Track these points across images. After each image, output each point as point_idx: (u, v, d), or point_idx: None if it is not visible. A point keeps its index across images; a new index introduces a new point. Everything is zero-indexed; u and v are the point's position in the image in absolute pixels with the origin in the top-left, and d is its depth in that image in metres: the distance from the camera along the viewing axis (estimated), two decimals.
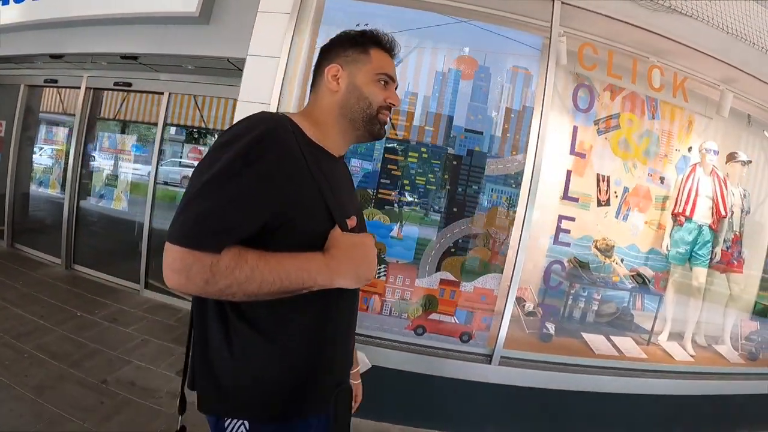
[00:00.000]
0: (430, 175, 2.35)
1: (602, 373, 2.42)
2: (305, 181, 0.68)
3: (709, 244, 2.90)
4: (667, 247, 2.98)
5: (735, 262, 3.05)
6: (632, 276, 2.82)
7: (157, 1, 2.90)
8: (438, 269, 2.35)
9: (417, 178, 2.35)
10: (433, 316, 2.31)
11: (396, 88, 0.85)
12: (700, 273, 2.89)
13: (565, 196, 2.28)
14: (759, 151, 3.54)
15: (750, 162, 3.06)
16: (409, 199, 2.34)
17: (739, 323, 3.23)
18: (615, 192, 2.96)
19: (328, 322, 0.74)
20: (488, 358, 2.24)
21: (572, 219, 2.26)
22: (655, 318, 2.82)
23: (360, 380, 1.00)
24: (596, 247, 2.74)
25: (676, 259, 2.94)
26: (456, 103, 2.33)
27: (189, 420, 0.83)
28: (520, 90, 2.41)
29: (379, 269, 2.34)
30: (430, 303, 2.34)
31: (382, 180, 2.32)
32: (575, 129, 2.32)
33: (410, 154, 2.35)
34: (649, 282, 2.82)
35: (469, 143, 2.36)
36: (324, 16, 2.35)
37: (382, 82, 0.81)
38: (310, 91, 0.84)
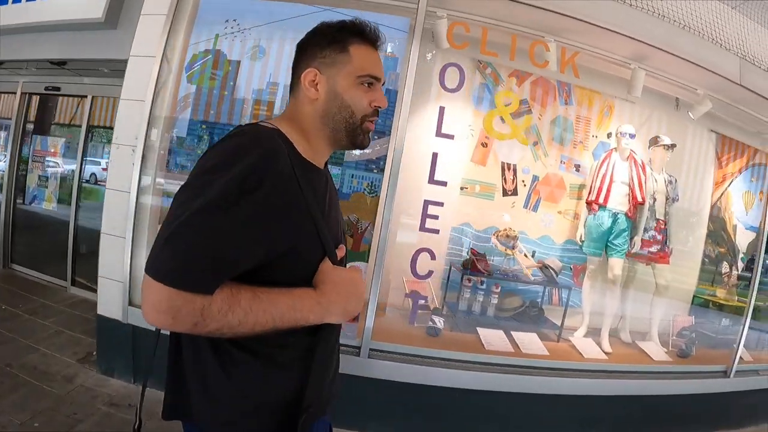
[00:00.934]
0: None
1: (490, 370, 2.23)
2: (300, 209, 0.63)
3: (626, 233, 2.66)
4: (580, 237, 2.75)
5: (660, 253, 2.78)
6: (540, 268, 2.61)
7: (70, 9, 2.96)
8: None
9: None
10: None
11: (383, 84, 0.75)
12: (616, 264, 2.65)
13: (431, 180, 2.13)
14: (692, 137, 3.26)
15: (674, 146, 2.80)
16: None
17: (671, 318, 2.94)
18: (523, 181, 2.77)
19: (321, 340, 0.70)
20: (357, 350, 2.10)
21: (440, 204, 2.10)
22: (564, 313, 2.60)
23: None
24: (497, 238, 2.56)
25: (591, 249, 2.71)
26: None
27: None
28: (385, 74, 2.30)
29: None
30: None
31: None
32: (442, 110, 2.17)
33: None
34: (557, 274, 2.60)
35: None
36: (198, 17, 2.36)
37: (366, 84, 0.71)
38: (290, 93, 0.75)
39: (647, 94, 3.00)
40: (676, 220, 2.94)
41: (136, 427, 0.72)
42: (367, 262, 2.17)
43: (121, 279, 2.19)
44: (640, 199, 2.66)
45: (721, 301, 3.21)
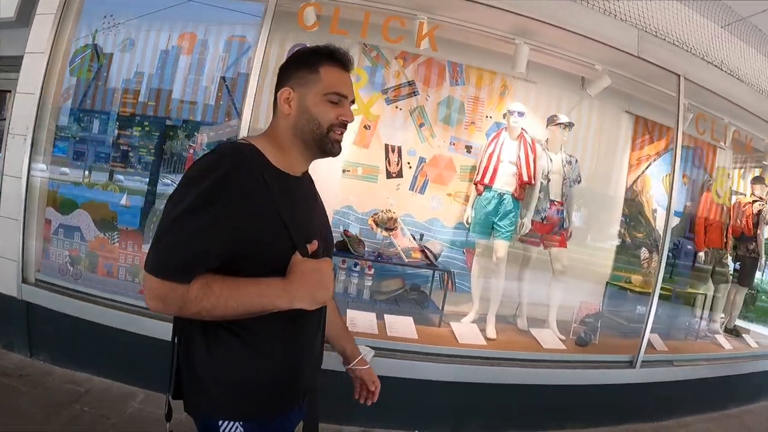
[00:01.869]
0: (151, 147, 2.34)
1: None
2: (267, 213, 0.71)
3: (512, 215, 2.50)
4: (467, 219, 2.60)
5: (556, 236, 2.59)
6: (421, 251, 2.47)
7: None
8: None
9: (140, 150, 2.34)
10: None
11: (353, 102, 0.83)
12: (501, 247, 2.48)
13: None
14: (603, 118, 3.06)
15: (571, 124, 2.62)
16: (133, 170, 2.33)
17: (578, 305, 2.73)
18: (408, 163, 2.66)
19: (298, 327, 0.79)
20: None
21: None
22: (444, 297, 2.45)
23: (370, 366, 1.06)
24: (374, 220, 2.44)
25: (476, 231, 2.56)
26: (175, 78, 2.35)
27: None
28: (236, 58, 2.33)
29: (112, 235, 2.27)
30: None
31: (113, 154, 2.35)
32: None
33: (135, 128, 2.34)
34: (436, 258, 2.46)
35: (185, 113, 2.32)
36: (82, 14, 2.42)
37: (333, 100, 0.79)
38: (273, 111, 0.84)
39: (548, 73, 2.85)
40: (583, 202, 2.75)
41: (166, 413, 0.81)
42: None
43: (15, 258, 2.23)
44: (526, 179, 2.49)
45: (637, 288, 2.97)
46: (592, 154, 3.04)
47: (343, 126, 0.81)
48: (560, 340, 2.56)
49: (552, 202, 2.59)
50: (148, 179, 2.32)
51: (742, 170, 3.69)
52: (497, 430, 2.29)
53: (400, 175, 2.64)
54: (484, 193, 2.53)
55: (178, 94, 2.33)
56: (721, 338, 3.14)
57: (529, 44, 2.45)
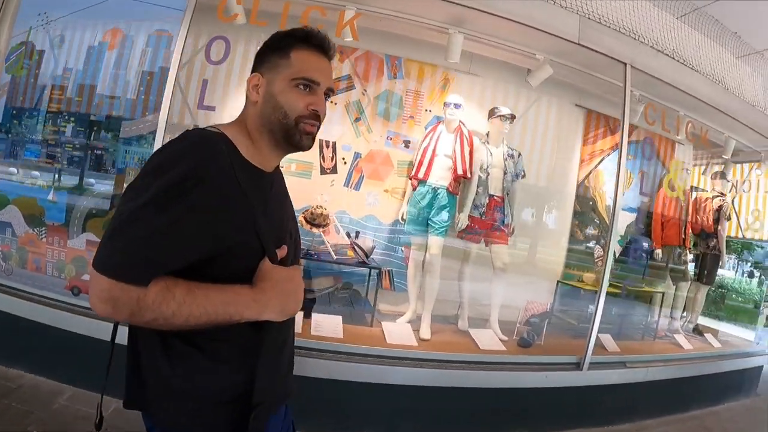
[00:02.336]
0: (77, 143, 2.31)
1: None
2: (239, 212, 0.63)
3: (447, 210, 2.38)
4: (403, 215, 2.48)
5: (496, 232, 2.46)
6: (352, 248, 2.35)
7: None
8: (83, 230, 2.17)
9: (66, 146, 2.30)
10: (86, 276, 2.09)
11: (330, 92, 0.73)
12: (435, 243, 2.36)
13: None
14: (551, 111, 2.94)
15: (513, 116, 2.50)
16: (60, 165, 2.30)
17: (525, 305, 2.60)
18: (343, 158, 2.55)
19: (269, 338, 0.70)
20: None
21: None
22: (375, 295, 2.33)
23: None
24: (304, 217, 2.33)
25: (411, 227, 2.44)
26: (101, 73, 2.32)
27: None
28: (158, 52, 2.28)
29: (41, 231, 2.22)
30: (81, 264, 2.16)
31: (43, 150, 2.34)
32: (205, 83, 2.02)
33: (63, 124, 2.31)
34: (367, 255, 2.34)
35: (108, 109, 2.29)
36: (19, 12, 2.37)
37: (302, 87, 0.69)
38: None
39: (492, 65, 2.74)
40: (531, 198, 2.63)
41: (97, 422, 0.72)
42: None
43: None
44: (461, 172, 2.37)
45: (589, 287, 2.83)
46: (542, 149, 2.91)
47: (315, 117, 0.71)
48: (501, 341, 2.43)
49: (491, 197, 2.47)
50: (74, 175, 2.29)
51: (704, 166, 3.55)
52: None
53: (334, 170, 2.54)
54: (418, 188, 2.42)
55: (102, 89, 2.29)
56: (681, 338, 2.99)
57: (463, 33, 2.35)
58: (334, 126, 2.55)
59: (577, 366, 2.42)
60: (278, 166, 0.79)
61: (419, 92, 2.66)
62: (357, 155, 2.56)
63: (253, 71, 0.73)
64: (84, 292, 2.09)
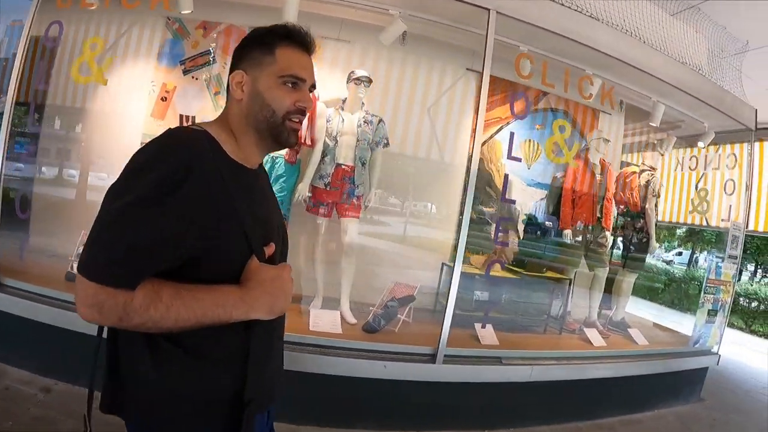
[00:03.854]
0: None
1: None
2: (224, 210, 0.61)
3: (283, 180, 2.19)
4: None
5: (345, 204, 2.21)
6: None
7: None
8: None
9: None
10: None
11: (313, 87, 0.74)
12: None
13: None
14: (430, 73, 2.61)
15: (369, 80, 2.25)
16: None
17: (391, 288, 2.30)
18: None
19: (258, 337, 0.68)
20: None
21: None
22: None
23: None
24: None
25: None
26: None
27: None
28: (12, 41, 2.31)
29: None
30: None
31: None
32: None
33: None
34: None
35: None
36: None
37: (289, 84, 0.69)
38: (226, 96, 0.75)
39: (361, 30, 2.50)
40: (413, 171, 2.34)
41: None
42: None
43: None
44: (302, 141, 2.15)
45: (477, 271, 2.44)
46: (421, 117, 2.59)
47: (301, 113, 0.70)
48: (351, 324, 2.15)
49: (339, 166, 2.22)
50: None
51: (637, 137, 2.97)
52: None
53: None
54: None
55: None
56: (594, 333, 2.47)
57: None
58: (195, 101, 2.48)
59: (432, 358, 2.07)
60: (261, 164, 0.77)
61: None
62: None
63: (233, 68, 0.70)
64: None
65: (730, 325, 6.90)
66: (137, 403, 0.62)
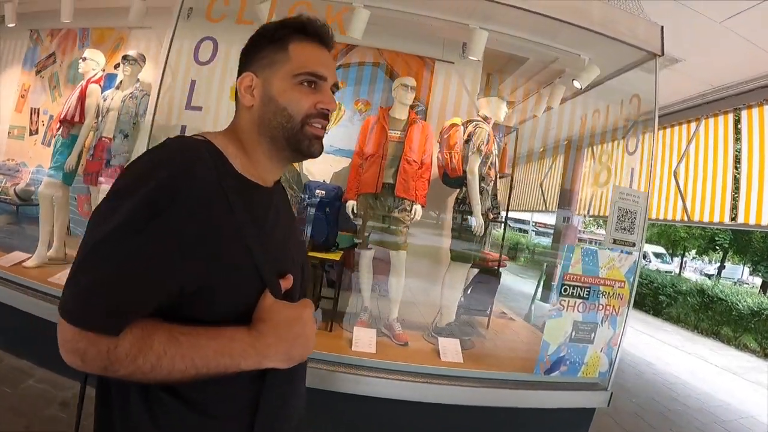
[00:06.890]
0: None
1: None
2: (228, 234, 0.48)
3: (59, 154, 2.23)
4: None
5: (105, 173, 2.12)
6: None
7: None
8: None
9: None
10: None
11: (336, 87, 0.60)
12: (53, 187, 2.20)
13: None
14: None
15: (142, 57, 2.17)
16: None
17: None
18: (42, 121, 2.72)
19: (264, 390, 0.54)
20: None
21: None
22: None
23: None
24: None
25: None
26: None
27: None
28: None
29: None
30: None
31: None
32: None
33: None
34: (19, 196, 2.37)
35: None
36: None
37: (307, 84, 0.55)
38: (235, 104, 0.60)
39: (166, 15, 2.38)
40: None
41: None
42: None
43: None
44: (64, 117, 2.18)
45: None
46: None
47: (323, 117, 0.57)
48: None
49: (100, 138, 2.18)
50: None
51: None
52: None
53: (37, 132, 2.73)
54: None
55: None
56: (367, 336, 1.74)
57: None
58: (40, 96, 2.76)
59: None
60: (278, 181, 0.63)
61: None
62: (51, 117, 2.69)
63: (241, 71, 0.58)
64: None
65: (743, 347, 4.69)
66: None
